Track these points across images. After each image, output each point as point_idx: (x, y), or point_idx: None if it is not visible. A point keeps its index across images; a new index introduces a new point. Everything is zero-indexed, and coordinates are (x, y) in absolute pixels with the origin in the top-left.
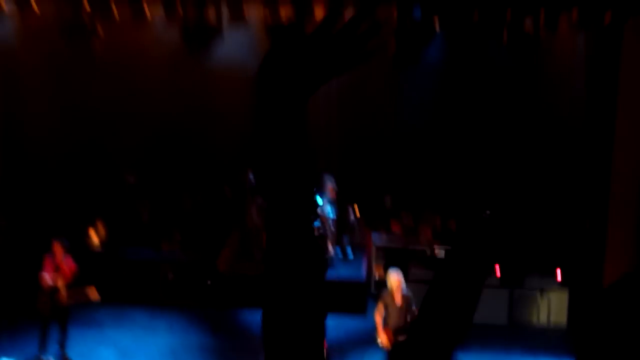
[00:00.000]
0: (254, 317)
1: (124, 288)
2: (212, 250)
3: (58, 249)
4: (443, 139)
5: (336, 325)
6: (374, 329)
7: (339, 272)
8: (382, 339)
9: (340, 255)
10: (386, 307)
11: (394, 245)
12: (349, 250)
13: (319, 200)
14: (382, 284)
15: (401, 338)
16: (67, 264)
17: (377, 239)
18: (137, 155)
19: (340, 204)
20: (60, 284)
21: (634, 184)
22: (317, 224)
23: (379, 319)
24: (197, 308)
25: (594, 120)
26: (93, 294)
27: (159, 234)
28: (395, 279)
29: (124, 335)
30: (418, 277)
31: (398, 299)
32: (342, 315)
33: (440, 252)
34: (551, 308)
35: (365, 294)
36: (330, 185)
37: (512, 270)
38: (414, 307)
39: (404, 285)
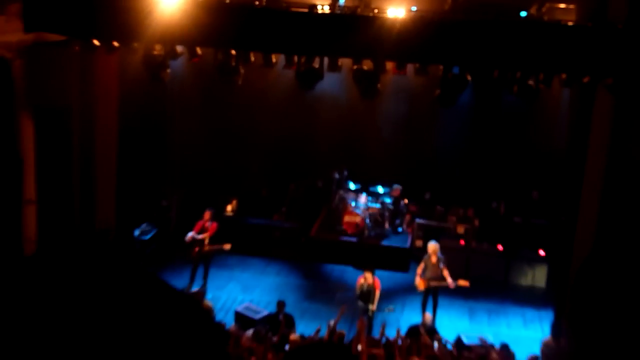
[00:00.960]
0: (332, 268)
1: (247, 244)
2: (307, 221)
3: (207, 215)
4: (467, 156)
5: (387, 278)
6: (413, 280)
7: (391, 241)
8: (419, 284)
9: (393, 231)
10: (425, 265)
11: (430, 225)
12: (399, 228)
13: (381, 192)
14: (421, 250)
15: (433, 283)
16: (212, 226)
17: (419, 220)
18: (259, 155)
19: (396, 198)
20: (206, 239)
21: (597, 193)
22: (377, 205)
23: (419, 271)
24: (295, 260)
25: (572, 147)
26: (227, 246)
27: (273, 209)
28: (433, 245)
29: (246, 275)
30: (446, 245)
31: (434, 259)
32: (391, 271)
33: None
34: (535, 274)
35: (408, 257)
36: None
37: (510, 247)
38: (442, 265)
39: (438, 250)
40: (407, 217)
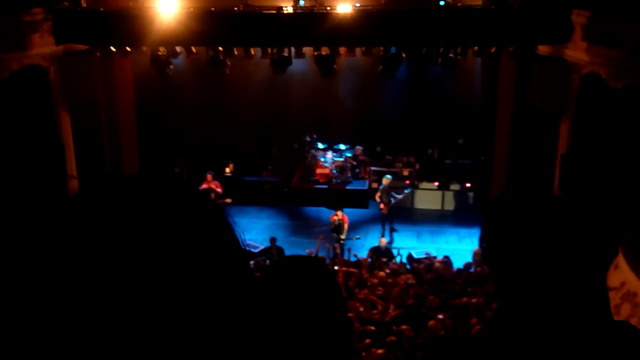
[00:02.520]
0: (310, 210)
1: (242, 195)
2: (288, 176)
3: (209, 177)
4: (407, 115)
5: (352, 213)
6: (373, 214)
7: (353, 186)
8: (383, 208)
9: (352, 177)
10: (382, 193)
11: (382, 170)
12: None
13: (343, 149)
14: (376, 188)
15: (389, 205)
16: (216, 184)
17: (373, 168)
18: (248, 127)
19: (357, 155)
20: (212, 195)
21: (507, 137)
22: (341, 159)
23: (378, 198)
24: (281, 206)
25: (486, 102)
26: (228, 200)
27: (261, 168)
28: (387, 179)
29: (244, 220)
30: (395, 185)
31: (387, 189)
32: (355, 209)
33: (406, 172)
34: (464, 202)
35: (367, 197)
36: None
37: (443, 183)
38: (393, 193)
39: (391, 183)
40: (364, 167)
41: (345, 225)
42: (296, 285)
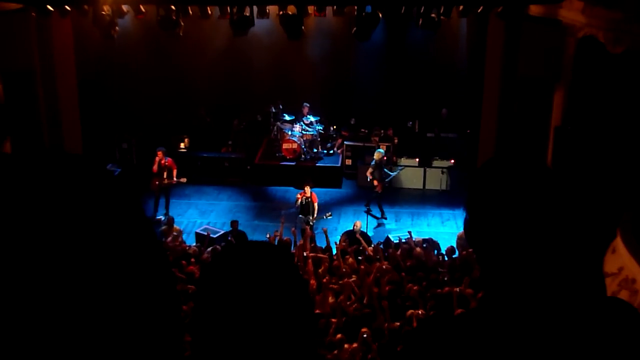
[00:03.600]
0: (275, 190)
1: (201, 174)
2: (251, 151)
3: (160, 154)
4: (384, 83)
5: (324, 194)
6: (347, 196)
7: (325, 162)
8: (377, 185)
9: (325, 152)
10: (374, 169)
11: (356, 145)
12: (331, 150)
13: (312, 120)
14: (350, 168)
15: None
16: (169, 161)
17: (347, 142)
18: (205, 97)
19: (326, 124)
20: (165, 173)
21: (496, 107)
22: (312, 132)
23: (370, 176)
24: (244, 185)
25: (472, 68)
26: (184, 180)
27: (220, 143)
28: (379, 153)
29: (203, 202)
30: (369, 160)
31: (379, 164)
32: (327, 188)
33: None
34: (448, 180)
35: (340, 175)
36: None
37: (425, 159)
38: (386, 170)
39: (382, 156)
40: (338, 141)
41: (315, 205)
42: (247, 278)
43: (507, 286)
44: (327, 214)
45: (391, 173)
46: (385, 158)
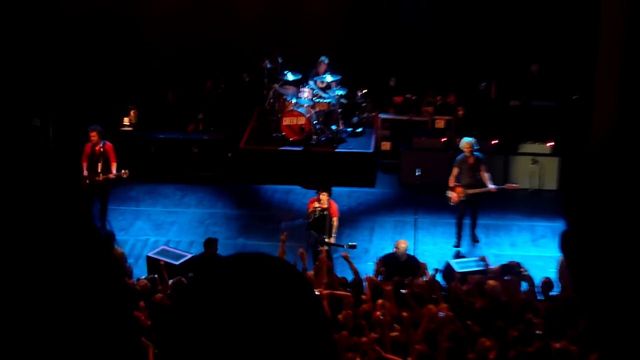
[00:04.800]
0: (272, 190)
1: (156, 167)
2: (233, 129)
3: (94, 135)
4: (441, 23)
5: (347, 196)
6: (385, 199)
7: (349, 146)
8: (452, 195)
9: (349, 130)
10: (460, 168)
11: (399, 119)
12: (358, 128)
13: (330, 81)
14: (391, 154)
15: (471, 191)
16: (105, 147)
17: (384, 115)
18: (162, 45)
19: (350, 87)
20: (100, 165)
21: (618, 62)
22: (330, 99)
23: (452, 179)
24: (222, 183)
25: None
26: (125, 173)
27: (185, 117)
28: (467, 142)
29: (157, 209)
30: (420, 145)
31: (471, 160)
32: (352, 187)
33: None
34: (543, 174)
35: (373, 166)
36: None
37: (507, 140)
38: (482, 167)
39: (475, 147)
40: (370, 114)
41: (335, 220)
42: (241, 304)
43: (631, 343)
44: (348, 244)
45: (490, 185)
46: (471, 154)
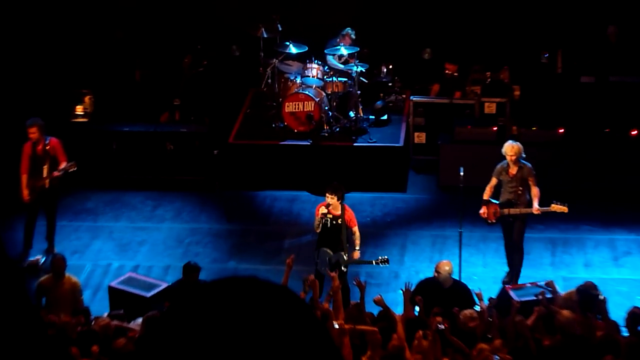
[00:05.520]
0: (272, 198)
1: (119, 169)
2: (220, 119)
3: (34, 131)
4: None
5: (370, 204)
6: (418, 207)
7: (371, 138)
8: (485, 213)
9: (373, 118)
10: (499, 179)
11: (436, 102)
12: (383, 116)
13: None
14: (425, 149)
15: (507, 211)
16: (51, 144)
17: (416, 98)
18: (127, 9)
19: (371, 61)
20: (45, 167)
21: None
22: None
23: (487, 191)
24: (206, 189)
25: None
26: (72, 166)
27: (157, 104)
28: (512, 147)
29: (121, 225)
30: (465, 136)
31: (513, 170)
32: (377, 193)
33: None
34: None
35: (404, 164)
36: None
37: (578, 129)
38: (533, 180)
39: (520, 153)
40: (396, 95)
41: (355, 231)
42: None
43: None
44: (379, 259)
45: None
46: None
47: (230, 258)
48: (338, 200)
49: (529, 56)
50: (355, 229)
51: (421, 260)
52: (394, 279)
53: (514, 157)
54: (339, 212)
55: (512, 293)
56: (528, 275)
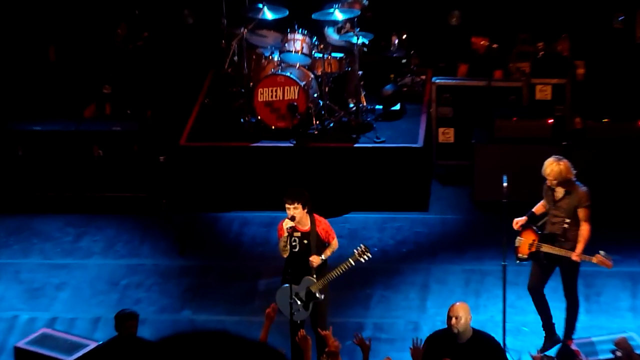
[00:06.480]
0: (239, 223)
1: (28, 184)
2: (166, 113)
3: None
4: None
5: (379, 228)
6: (443, 234)
7: (378, 135)
8: (519, 244)
9: (380, 108)
10: (546, 203)
11: (467, 85)
12: (395, 105)
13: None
14: (455, 150)
15: (545, 248)
16: None
17: (439, 80)
18: None
19: (377, 29)
20: None
21: None
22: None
23: (540, 207)
24: (150, 212)
25: None
26: None
27: (82, 97)
28: (550, 165)
29: (33, 262)
30: (509, 133)
31: (559, 193)
32: (388, 213)
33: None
34: None
35: (426, 172)
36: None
37: None
38: (583, 212)
39: (565, 178)
40: (412, 75)
41: (333, 243)
42: None
43: None
44: (357, 251)
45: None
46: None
47: (183, 306)
48: (304, 208)
49: (596, 20)
50: (334, 242)
51: (450, 294)
52: (412, 331)
53: (554, 182)
54: (307, 227)
55: (571, 345)
56: (598, 325)
